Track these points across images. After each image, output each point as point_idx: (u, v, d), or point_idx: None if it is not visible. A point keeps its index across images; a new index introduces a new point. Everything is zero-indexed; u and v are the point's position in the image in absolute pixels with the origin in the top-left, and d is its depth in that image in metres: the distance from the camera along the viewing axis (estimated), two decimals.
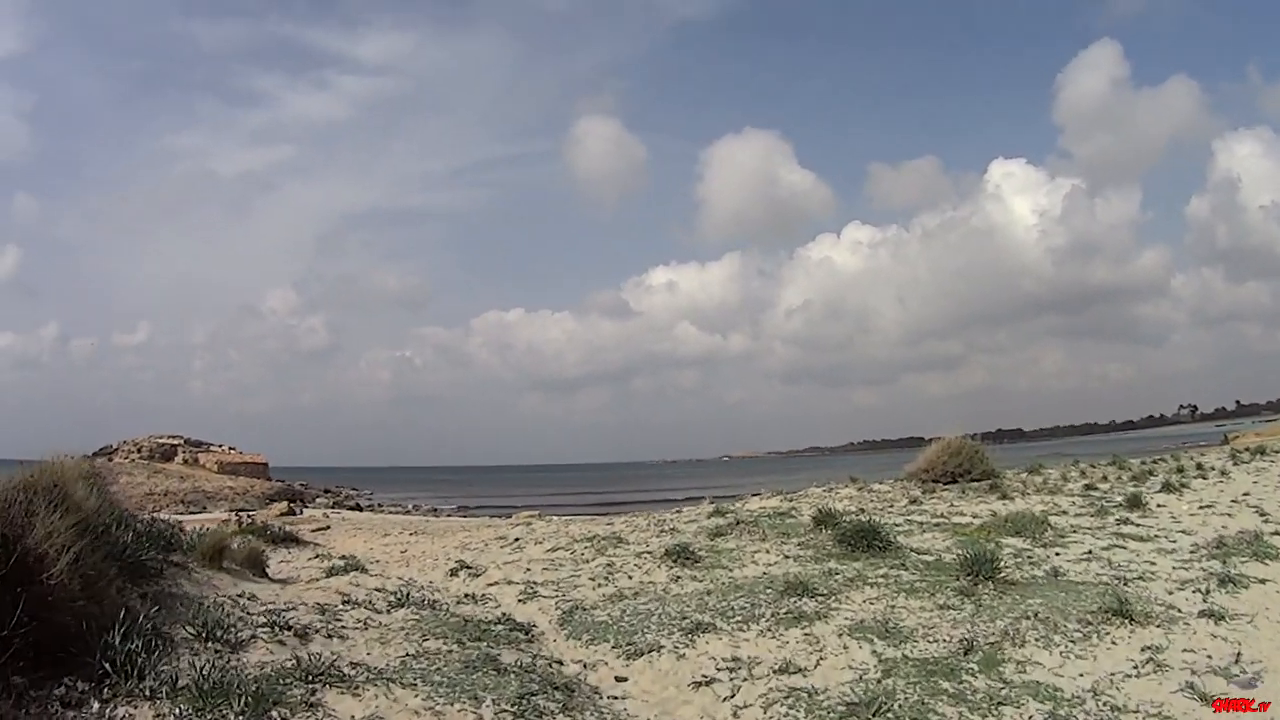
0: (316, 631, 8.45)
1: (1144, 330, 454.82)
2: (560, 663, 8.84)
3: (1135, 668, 7.99)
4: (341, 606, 9.80)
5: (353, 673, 7.35)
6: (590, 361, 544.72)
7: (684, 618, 9.98)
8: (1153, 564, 12.06)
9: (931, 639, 8.92)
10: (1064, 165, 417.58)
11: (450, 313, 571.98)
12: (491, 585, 12.65)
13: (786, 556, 13.28)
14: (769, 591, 10.88)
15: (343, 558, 15.29)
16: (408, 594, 10.76)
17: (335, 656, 7.69)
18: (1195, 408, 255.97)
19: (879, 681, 7.81)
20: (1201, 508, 17.43)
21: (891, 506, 19.51)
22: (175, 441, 74.31)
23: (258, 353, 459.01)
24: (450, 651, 8.40)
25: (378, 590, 11.20)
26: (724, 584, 11.72)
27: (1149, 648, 8.45)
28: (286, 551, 16.63)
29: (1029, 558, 12.59)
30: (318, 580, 12.32)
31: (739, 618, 9.91)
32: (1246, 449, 33.81)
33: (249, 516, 21.40)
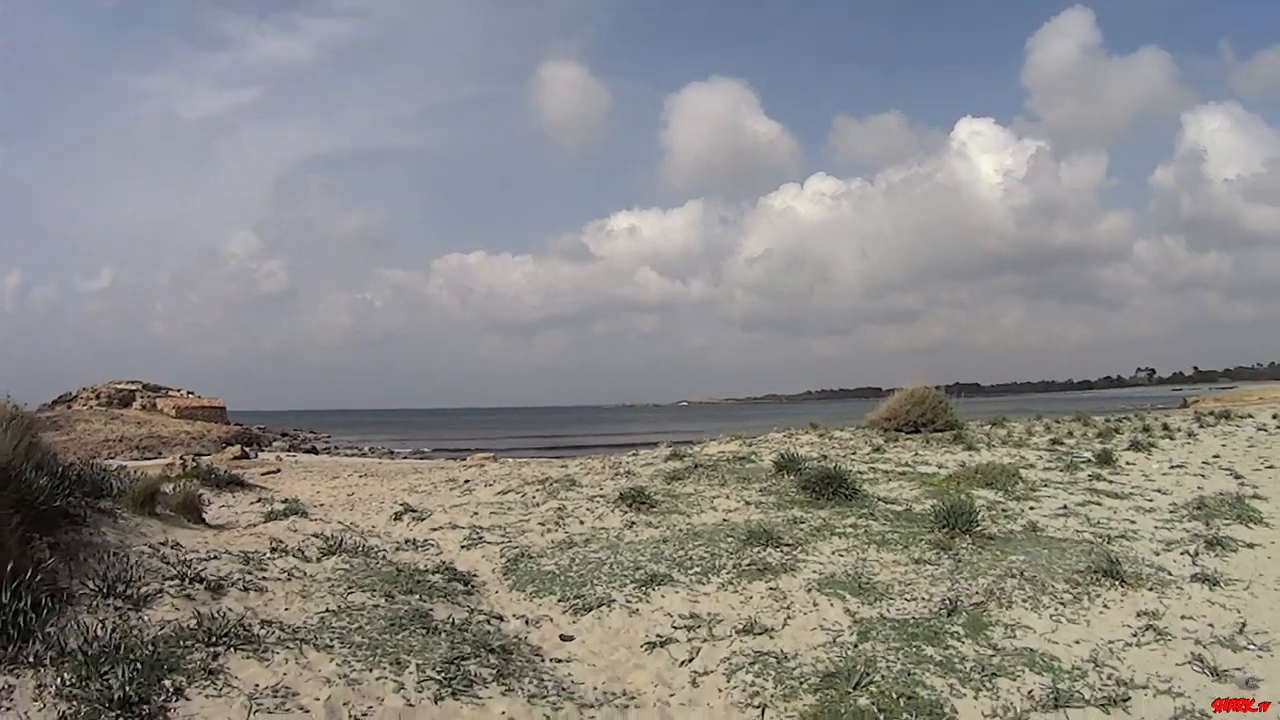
0: (233, 584, 7.48)
1: (1104, 293, 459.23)
2: (500, 618, 7.84)
3: (1134, 635, 7.19)
4: (269, 555, 8.87)
5: (263, 633, 6.40)
6: (550, 305, 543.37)
7: (638, 568, 9.03)
8: (1133, 523, 11.37)
9: (909, 597, 8.06)
10: (1030, 128, 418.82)
11: (411, 255, 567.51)
12: (435, 530, 11.69)
13: (748, 503, 12.39)
14: (730, 540, 9.99)
15: (284, 502, 14.38)
16: (340, 541, 9.76)
17: (247, 613, 6.80)
18: (1153, 371, 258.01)
19: (855, 646, 6.89)
20: (1173, 467, 16.87)
21: (854, 454, 18.69)
22: (133, 387, 72.48)
23: (218, 296, 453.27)
24: (377, 606, 7.41)
25: (315, 536, 10.33)
26: (681, 531, 10.80)
27: (1145, 613, 7.67)
28: (231, 496, 15.74)
29: (1003, 511, 11.85)
30: (255, 526, 11.49)
31: (697, 569, 8.99)
32: (1210, 413, 33.33)
33: (195, 461, 20.10)
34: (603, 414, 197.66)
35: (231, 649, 5.98)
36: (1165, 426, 26.14)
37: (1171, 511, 12.02)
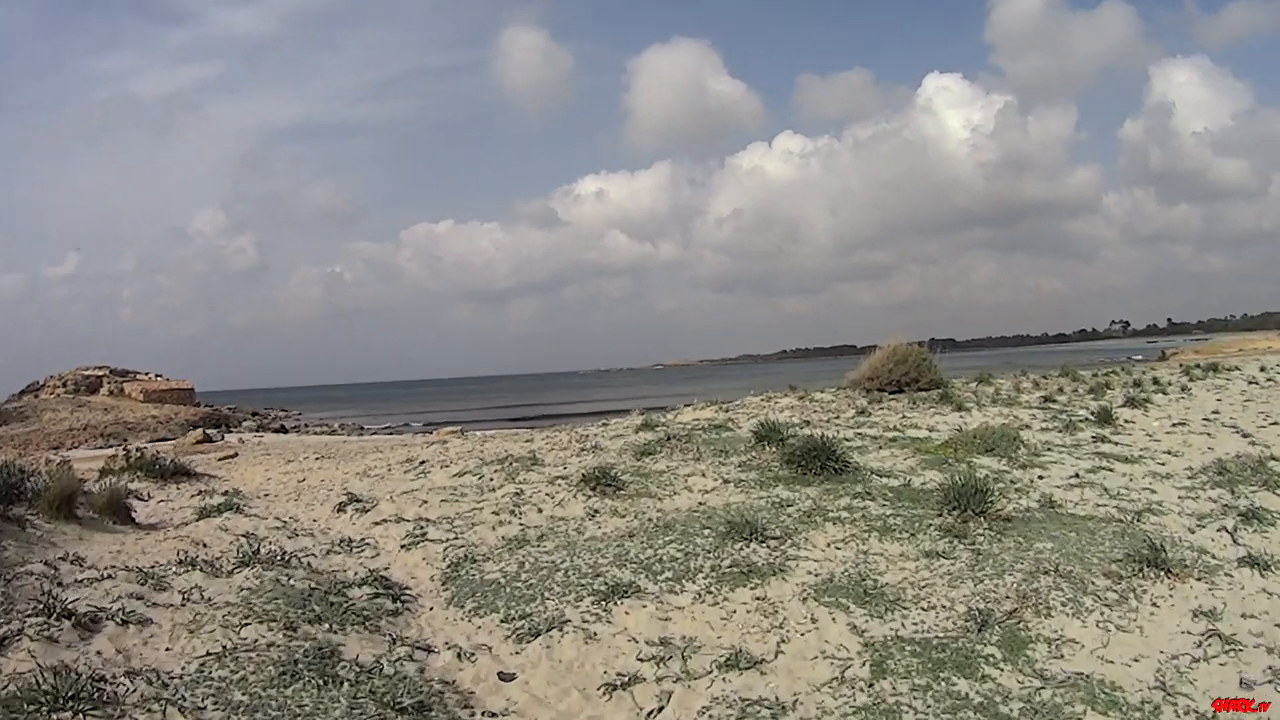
0: (111, 617, 5.89)
1: (1075, 246, 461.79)
2: (428, 650, 6.23)
3: (1198, 645, 5.83)
4: (175, 569, 7.32)
5: (125, 689, 4.86)
6: (520, 272, 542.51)
7: (597, 574, 7.42)
8: (1153, 492, 10.12)
9: (926, 604, 6.60)
10: (996, 83, 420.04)
11: (380, 226, 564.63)
12: (377, 524, 10.20)
13: (726, 481, 10.91)
14: (707, 533, 8.48)
15: (225, 494, 12.95)
16: (257, 548, 8.15)
17: (117, 658, 5.31)
18: (1127, 323, 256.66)
19: (871, 684, 5.37)
20: (1175, 425, 15.83)
21: (838, 418, 17.25)
22: (100, 372, 69.96)
23: (187, 276, 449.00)
24: (271, 646, 5.79)
25: (244, 536, 8.99)
26: (651, 521, 9.25)
27: (1202, 613, 6.34)
28: (176, 488, 14.14)
29: (1012, 483, 10.55)
30: (186, 525, 10.13)
31: (669, 573, 7.44)
32: (1197, 365, 32.67)
33: (140, 451, 18.38)
34: (576, 380, 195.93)
35: (80, 715, 4.49)
36: (1156, 381, 25.41)
37: (1190, 477, 10.86)
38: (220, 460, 22.71)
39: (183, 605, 6.48)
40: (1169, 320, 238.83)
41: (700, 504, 9.94)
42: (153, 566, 7.42)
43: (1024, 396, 21.23)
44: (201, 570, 7.37)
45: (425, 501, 11.15)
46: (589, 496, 10.38)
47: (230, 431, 48.82)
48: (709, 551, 7.93)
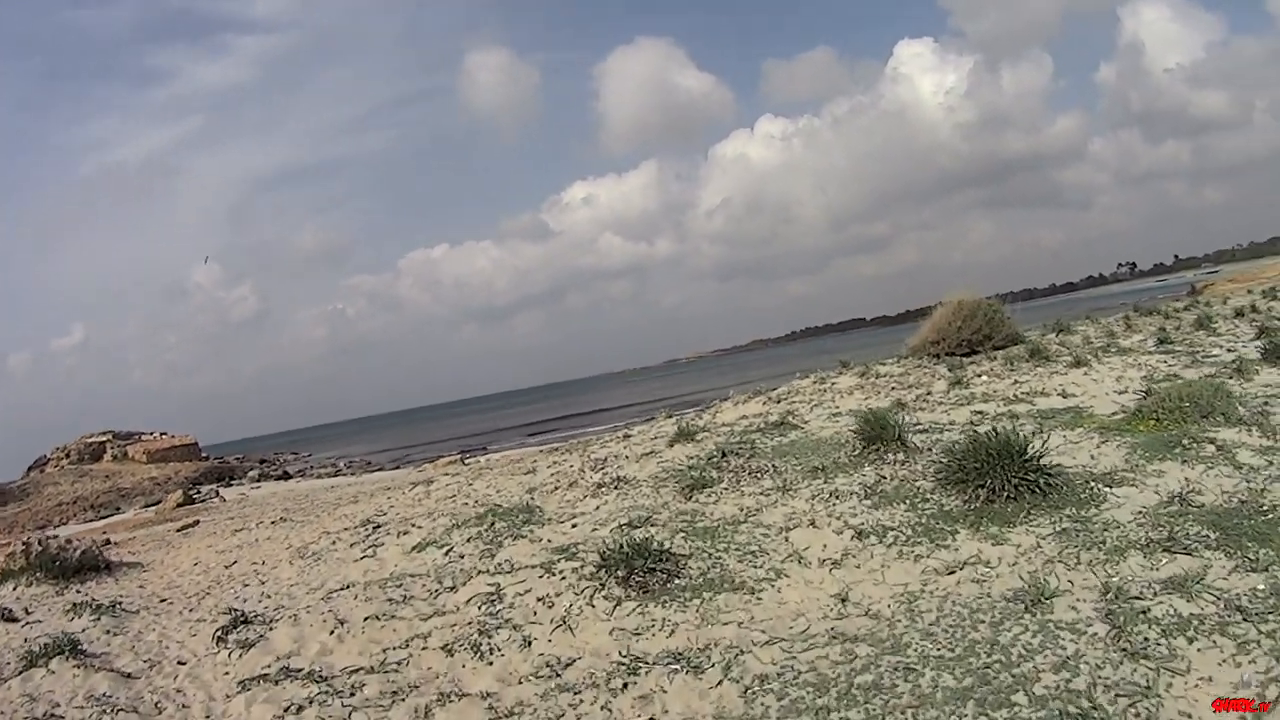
0: None
1: (1068, 195, 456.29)
2: None
3: None
4: None
5: None
6: (520, 286, 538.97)
7: None
8: None
9: None
10: (958, 44, 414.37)
11: (375, 259, 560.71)
12: (244, 686, 5.40)
13: (859, 532, 5.84)
14: None
15: (96, 611, 8.72)
16: None
17: None
18: (1134, 265, 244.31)
19: None
20: None
21: (929, 394, 12.11)
22: (103, 438, 64.09)
23: (191, 331, 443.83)
24: None
25: None
26: (773, 693, 4.17)
27: None
28: (78, 590, 10.29)
29: None
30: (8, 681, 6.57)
31: None
32: (1264, 292, 29.26)
33: (42, 543, 13.46)
34: (591, 385, 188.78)
35: None
36: (1255, 309, 22.18)
37: None
38: (179, 530, 18.06)
39: None
40: (1175, 257, 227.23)
41: (843, 601, 4.87)
42: None
43: (1124, 341, 16.24)
44: None
45: (344, 622, 6.27)
46: (617, 602, 5.33)
47: (232, 484, 43.84)
48: None
